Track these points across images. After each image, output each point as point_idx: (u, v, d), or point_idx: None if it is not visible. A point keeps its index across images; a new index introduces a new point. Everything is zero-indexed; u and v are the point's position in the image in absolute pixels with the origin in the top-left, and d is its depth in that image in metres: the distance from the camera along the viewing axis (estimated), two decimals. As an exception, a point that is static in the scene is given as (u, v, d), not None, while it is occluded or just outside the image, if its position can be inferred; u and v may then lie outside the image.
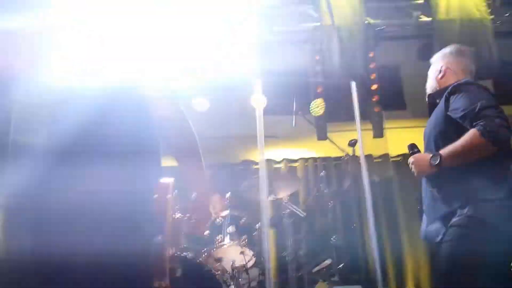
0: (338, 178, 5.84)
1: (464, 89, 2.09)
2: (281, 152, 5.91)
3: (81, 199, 1.42)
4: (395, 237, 5.45)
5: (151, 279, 1.54)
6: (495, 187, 1.95)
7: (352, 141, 3.09)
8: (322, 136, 4.39)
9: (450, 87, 2.15)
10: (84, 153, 1.48)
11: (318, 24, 4.86)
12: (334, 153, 5.70)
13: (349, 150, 3.49)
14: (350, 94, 3.88)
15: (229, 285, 3.50)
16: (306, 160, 5.98)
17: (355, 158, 3.45)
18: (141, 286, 1.51)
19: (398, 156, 5.74)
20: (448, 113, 2.10)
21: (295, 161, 6.03)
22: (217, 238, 3.66)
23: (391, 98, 5.02)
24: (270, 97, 4.59)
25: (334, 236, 4.29)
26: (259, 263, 3.84)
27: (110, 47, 1.71)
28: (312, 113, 4.59)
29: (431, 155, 2.04)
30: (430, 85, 2.44)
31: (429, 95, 2.43)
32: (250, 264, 3.72)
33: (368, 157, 5.30)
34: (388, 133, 4.64)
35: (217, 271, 3.57)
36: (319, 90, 4.53)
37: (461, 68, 2.35)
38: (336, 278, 3.99)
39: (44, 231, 1.45)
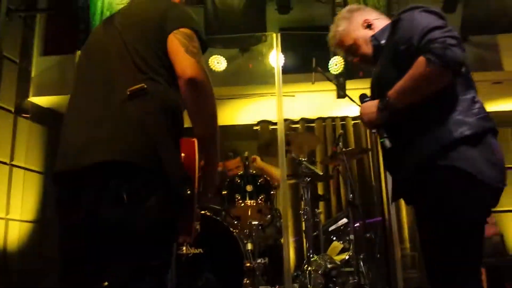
0: (357, 137, 5.78)
1: (406, 17, 1.73)
2: (299, 111, 5.84)
3: None
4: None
5: (177, 234, 1.54)
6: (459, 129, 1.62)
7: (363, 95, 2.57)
8: (342, 94, 4.30)
9: (394, 19, 1.80)
10: None
11: (339, -24, 4.69)
12: (353, 111, 5.63)
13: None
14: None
15: (246, 243, 3.53)
16: (324, 119, 5.91)
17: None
18: (166, 239, 1.51)
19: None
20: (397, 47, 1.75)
21: (313, 120, 5.96)
22: (236, 196, 3.67)
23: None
24: (289, 54, 4.48)
25: (351, 196, 4.26)
26: (276, 221, 3.86)
27: None
28: (331, 71, 4.49)
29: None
30: (363, 41, 1.95)
31: (373, 45, 1.93)
32: (267, 222, 3.74)
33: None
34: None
35: (235, 229, 3.60)
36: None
37: (376, 15, 1.98)
38: (351, 237, 3.99)
39: None
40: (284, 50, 4.03)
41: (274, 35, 3.81)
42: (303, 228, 4.01)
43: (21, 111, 5.17)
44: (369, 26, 1.94)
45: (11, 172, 4.93)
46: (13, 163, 4.96)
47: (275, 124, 4.36)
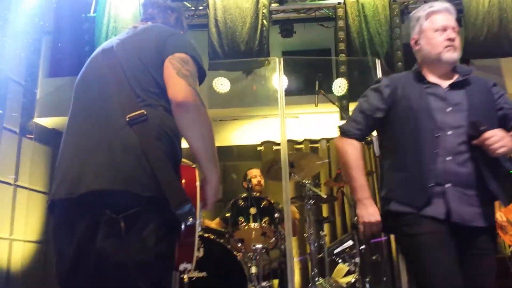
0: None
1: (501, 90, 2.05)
2: (302, 133, 5.84)
3: None
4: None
5: (177, 261, 1.52)
6: None
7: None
8: (345, 116, 4.30)
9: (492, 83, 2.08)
10: None
11: (342, 0, 4.73)
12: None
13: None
14: (374, 72, 3.79)
15: (250, 266, 3.50)
16: (328, 140, 5.91)
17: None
18: (165, 269, 1.49)
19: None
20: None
21: (317, 141, 5.96)
22: (239, 219, 3.65)
23: (417, 76, 4.88)
24: (292, 76, 4.51)
25: (355, 218, 4.23)
26: (281, 244, 3.82)
27: None
28: (335, 93, 4.51)
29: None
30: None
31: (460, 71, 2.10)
32: (271, 245, 3.71)
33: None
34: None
35: (238, 252, 3.57)
36: (342, 69, 4.42)
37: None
38: (357, 260, 3.95)
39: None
40: (287, 73, 4.06)
41: (277, 59, 3.83)
42: (308, 251, 3.97)
43: (25, 132, 5.20)
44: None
45: (15, 193, 4.93)
46: (17, 183, 4.97)
47: (279, 144, 4.36)
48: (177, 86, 1.51)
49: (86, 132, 1.54)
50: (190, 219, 1.44)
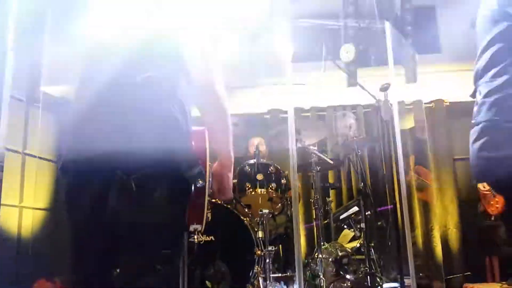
0: (368, 126, 5.74)
1: None
2: (309, 100, 5.80)
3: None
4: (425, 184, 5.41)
5: (188, 222, 1.55)
6: None
7: (385, 85, 2.91)
8: (353, 82, 4.26)
9: None
10: None
11: (349, -38, 4.62)
12: (364, 100, 5.57)
13: (380, 97, 3.37)
14: (383, 36, 3.72)
15: (257, 231, 3.55)
16: (335, 107, 5.87)
17: (386, 104, 3.33)
18: (178, 228, 1.52)
19: (431, 102, 5.57)
20: None
21: (324, 109, 5.92)
22: (246, 185, 3.68)
23: (426, 40, 4.79)
24: (299, 42, 4.43)
25: (361, 184, 4.26)
26: (287, 210, 3.87)
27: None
28: (342, 59, 4.46)
29: None
30: None
31: None
32: (277, 211, 3.75)
33: (400, 104, 5.16)
34: (421, 77, 4.46)
35: (245, 218, 3.62)
36: (350, 33, 4.35)
37: None
38: (362, 226, 3.99)
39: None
40: (293, 38, 3.99)
41: (284, 24, 3.77)
42: (314, 216, 4.01)
43: (32, 101, 5.21)
44: None
45: (24, 161, 4.98)
46: (26, 151, 5.01)
47: (286, 112, 4.34)
48: (200, 67, 1.53)
49: (97, 94, 1.54)
50: (200, 181, 1.47)
